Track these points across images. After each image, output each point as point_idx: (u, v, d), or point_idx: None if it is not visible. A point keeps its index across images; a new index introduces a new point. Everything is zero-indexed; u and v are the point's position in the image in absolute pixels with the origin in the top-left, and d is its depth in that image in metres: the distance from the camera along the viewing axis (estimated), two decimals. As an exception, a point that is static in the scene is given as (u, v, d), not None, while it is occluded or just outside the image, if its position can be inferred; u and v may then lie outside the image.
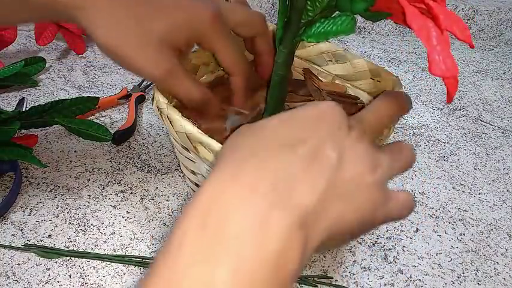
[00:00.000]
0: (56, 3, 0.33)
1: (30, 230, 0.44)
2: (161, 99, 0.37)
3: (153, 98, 0.40)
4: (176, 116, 0.36)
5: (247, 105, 0.43)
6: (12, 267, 0.41)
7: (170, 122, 0.37)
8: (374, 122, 0.29)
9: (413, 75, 0.79)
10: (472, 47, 0.25)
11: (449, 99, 0.25)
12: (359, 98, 0.47)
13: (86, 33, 0.36)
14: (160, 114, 0.38)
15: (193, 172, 0.43)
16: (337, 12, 0.32)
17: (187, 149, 0.40)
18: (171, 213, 0.48)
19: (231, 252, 0.19)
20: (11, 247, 0.42)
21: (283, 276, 0.20)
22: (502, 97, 0.76)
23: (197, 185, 0.45)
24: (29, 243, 0.43)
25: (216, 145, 0.34)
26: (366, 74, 0.46)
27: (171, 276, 0.19)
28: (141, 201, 0.48)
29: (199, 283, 0.19)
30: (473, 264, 0.47)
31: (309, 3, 0.33)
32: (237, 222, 0.20)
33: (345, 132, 0.25)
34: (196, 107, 0.38)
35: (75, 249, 0.43)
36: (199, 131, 0.35)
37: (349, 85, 0.48)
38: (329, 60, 0.48)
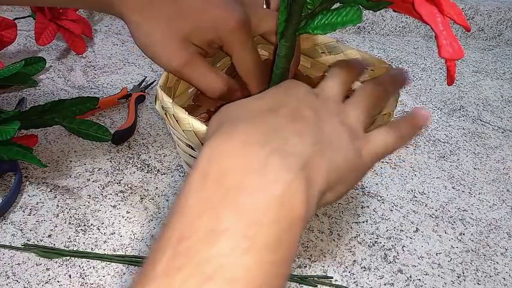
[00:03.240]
0: None
1: (30, 230, 0.44)
2: (165, 99, 0.37)
3: (155, 98, 0.40)
4: (183, 114, 0.36)
5: None
6: (12, 267, 0.41)
7: (176, 120, 0.37)
8: (335, 84, 0.32)
9: (413, 75, 0.79)
10: (468, 30, 0.26)
11: (451, 80, 0.26)
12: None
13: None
14: (165, 113, 0.38)
15: None
16: (337, 3, 0.32)
17: (192, 147, 0.40)
18: (171, 213, 0.48)
19: (234, 199, 0.20)
20: (11, 247, 0.42)
21: (290, 218, 0.21)
22: (501, 97, 0.76)
23: None
24: (28, 243, 0.43)
25: None
26: None
27: (177, 233, 0.20)
28: (141, 201, 0.48)
29: (208, 232, 0.19)
30: (473, 264, 0.47)
31: None
32: (236, 172, 0.21)
33: (313, 96, 0.29)
34: (219, 96, 0.40)
35: (75, 249, 0.43)
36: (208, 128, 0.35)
37: None
38: (322, 52, 0.48)
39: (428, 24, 0.25)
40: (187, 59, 0.38)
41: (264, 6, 0.42)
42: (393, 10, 0.29)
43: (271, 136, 0.23)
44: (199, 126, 0.35)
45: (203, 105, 0.47)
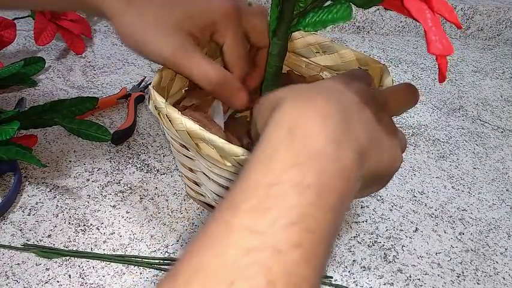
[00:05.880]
0: None
1: (30, 230, 0.44)
2: (158, 99, 0.37)
3: (149, 98, 0.40)
4: (176, 114, 0.36)
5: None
6: (11, 267, 0.41)
7: (170, 120, 0.37)
8: (393, 101, 0.33)
9: (413, 75, 0.79)
10: (459, 27, 0.26)
11: (442, 78, 0.26)
12: None
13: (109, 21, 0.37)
14: (159, 113, 0.38)
15: (191, 170, 0.43)
16: (329, 2, 0.32)
17: (185, 147, 0.40)
18: (170, 213, 0.48)
19: (316, 162, 0.23)
20: (10, 247, 0.42)
21: (350, 190, 0.24)
22: (501, 96, 0.77)
23: (195, 183, 0.45)
24: (28, 243, 0.43)
25: (218, 141, 0.34)
26: (354, 64, 0.46)
27: (266, 180, 0.22)
28: (141, 201, 0.48)
29: (293, 184, 0.22)
30: (472, 263, 0.47)
31: None
32: (319, 139, 0.24)
33: (371, 99, 0.29)
34: (214, 88, 0.38)
35: (74, 249, 0.43)
36: (201, 127, 0.35)
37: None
38: (316, 52, 0.48)
39: (417, 21, 0.25)
40: (179, 46, 0.35)
41: None
42: (384, 8, 0.29)
43: (343, 115, 0.26)
44: (191, 126, 0.35)
45: (192, 99, 0.47)
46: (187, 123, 0.35)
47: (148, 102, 0.40)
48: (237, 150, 0.34)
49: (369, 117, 0.28)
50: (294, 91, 0.27)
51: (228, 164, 0.35)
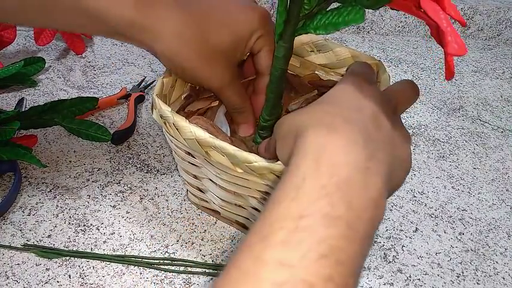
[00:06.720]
0: (120, 21, 0.34)
1: (30, 230, 0.44)
2: (164, 107, 0.37)
3: (152, 106, 0.39)
4: (184, 122, 0.36)
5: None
6: (11, 267, 0.41)
7: (177, 129, 0.36)
8: (403, 102, 0.33)
9: (413, 75, 0.79)
10: (463, 25, 0.26)
11: (450, 74, 0.26)
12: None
13: (145, 47, 0.37)
14: (164, 122, 0.38)
15: (195, 177, 0.43)
16: (333, 3, 0.32)
17: (191, 155, 0.40)
18: (170, 213, 0.48)
19: (344, 192, 0.23)
20: (10, 247, 0.42)
21: (377, 219, 0.24)
22: (501, 97, 0.76)
23: (199, 189, 0.45)
24: (28, 243, 0.43)
25: (230, 148, 0.34)
26: (349, 61, 0.46)
27: (294, 211, 0.22)
28: (141, 201, 0.48)
29: (322, 216, 0.22)
30: (472, 263, 0.47)
31: None
32: (346, 167, 0.24)
33: (387, 105, 0.29)
34: (233, 113, 0.43)
35: (74, 249, 0.43)
36: (210, 135, 0.35)
37: (333, 73, 0.48)
38: (311, 51, 0.48)
39: (433, 21, 0.25)
40: (227, 83, 0.39)
41: None
42: (391, 8, 0.29)
43: (367, 139, 0.25)
44: (201, 134, 0.35)
45: (197, 104, 0.46)
46: (196, 131, 0.35)
47: (152, 112, 0.39)
48: (250, 157, 0.34)
49: (388, 132, 0.28)
50: (315, 116, 0.27)
51: (240, 170, 0.35)
